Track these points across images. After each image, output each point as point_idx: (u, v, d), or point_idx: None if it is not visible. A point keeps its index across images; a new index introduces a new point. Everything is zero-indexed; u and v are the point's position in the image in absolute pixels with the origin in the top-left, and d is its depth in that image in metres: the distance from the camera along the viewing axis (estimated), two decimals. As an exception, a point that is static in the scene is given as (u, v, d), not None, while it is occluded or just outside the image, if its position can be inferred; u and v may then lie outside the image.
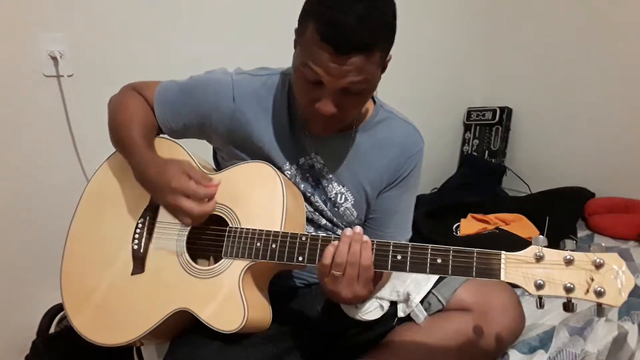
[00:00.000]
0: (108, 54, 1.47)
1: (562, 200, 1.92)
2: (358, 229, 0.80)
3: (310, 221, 1.02)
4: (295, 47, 0.87)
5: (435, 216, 1.87)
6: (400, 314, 1.01)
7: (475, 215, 1.84)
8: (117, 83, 1.06)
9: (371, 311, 0.98)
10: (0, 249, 1.40)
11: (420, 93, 2.24)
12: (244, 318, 0.82)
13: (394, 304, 1.02)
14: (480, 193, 2.13)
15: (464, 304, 1.00)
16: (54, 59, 1.38)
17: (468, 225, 1.79)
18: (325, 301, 1.04)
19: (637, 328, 1.17)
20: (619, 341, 1.13)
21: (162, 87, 1.02)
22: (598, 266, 0.70)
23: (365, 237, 0.80)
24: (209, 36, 1.63)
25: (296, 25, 0.85)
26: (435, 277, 1.04)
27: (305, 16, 0.82)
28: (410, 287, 1.02)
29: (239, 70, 1.02)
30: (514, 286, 0.73)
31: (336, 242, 0.80)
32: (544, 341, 1.11)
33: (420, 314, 1.00)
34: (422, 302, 1.01)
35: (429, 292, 1.02)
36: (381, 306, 0.98)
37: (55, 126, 1.43)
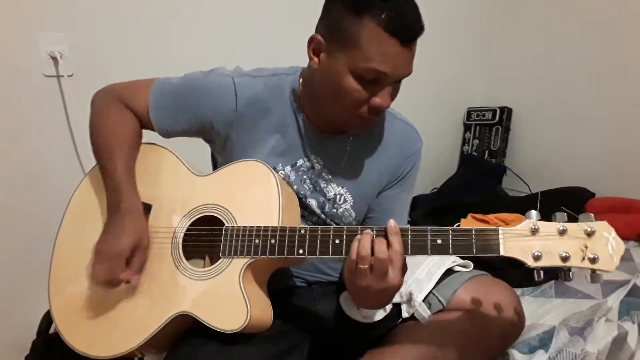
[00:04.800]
0: (108, 54, 1.47)
1: (562, 200, 1.92)
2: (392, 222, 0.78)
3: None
4: (316, 55, 0.87)
5: (435, 216, 1.86)
6: (405, 314, 1.01)
7: (475, 215, 1.83)
8: (117, 83, 1.06)
9: (373, 313, 0.98)
10: (0, 249, 1.40)
11: (420, 93, 2.23)
12: (247, 316, 0.82)
13: (395, 305, 1.02)
14: (480, 193, 2.13)
15: (464, 304, 1.00)
16: (54, 59, 1.39)
17: (468, 225, 1.78)
18: (326, 300, 1.04)
19: (637, 328, 1.16)
20: (619, 341, 1.13)
21: (156, 90, 0.98)
22: (590, 234, 0.73)
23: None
24: (208, 36, 1.63)
25: (307, 32, 0.86)
26: (437, 276, 1.04)
27: (351, 16, 0.81)
28: (412, 287, 1.02)
29: (240, 71, 1.00)
30: (513, 263, 0.74)
31: (360, 237, 0.78)
32: (544, 341, 1.11)
33: (424, 313, 0.99)
34: (422, 301, 1.01)
35: (429, 292, 1.02)
36: (383, 308, 0.98)
37: (55, 126, 1.43)
